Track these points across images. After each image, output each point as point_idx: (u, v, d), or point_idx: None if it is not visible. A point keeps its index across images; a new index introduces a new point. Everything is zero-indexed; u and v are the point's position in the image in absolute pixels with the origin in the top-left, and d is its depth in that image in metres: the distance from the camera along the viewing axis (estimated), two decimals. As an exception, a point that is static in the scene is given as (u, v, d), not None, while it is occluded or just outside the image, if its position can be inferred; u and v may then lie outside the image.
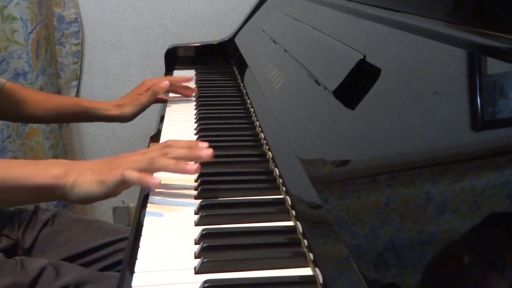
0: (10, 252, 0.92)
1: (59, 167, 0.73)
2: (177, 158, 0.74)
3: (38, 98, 1.20)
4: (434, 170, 0.47)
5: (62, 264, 0.87)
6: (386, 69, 0.63)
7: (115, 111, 1.22)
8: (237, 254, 0.60)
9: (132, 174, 0.71)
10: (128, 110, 1.23)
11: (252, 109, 1.11)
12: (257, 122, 1.02)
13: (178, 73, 1.55)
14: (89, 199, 0.73)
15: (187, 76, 1.35)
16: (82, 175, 0.72)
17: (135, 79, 1.91)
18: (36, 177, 0.73)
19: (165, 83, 1.23)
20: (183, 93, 1.29)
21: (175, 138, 1.00)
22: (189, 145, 0.77)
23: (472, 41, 0.52)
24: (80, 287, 0.82)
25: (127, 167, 0.72)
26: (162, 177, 0.73)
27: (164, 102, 1.26)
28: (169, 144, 0.77)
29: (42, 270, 0.83)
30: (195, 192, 0.75)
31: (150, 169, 0.73)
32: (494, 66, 0.47)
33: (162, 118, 1.15)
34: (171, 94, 1.31)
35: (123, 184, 0.72)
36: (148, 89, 1.24)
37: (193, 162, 0.75)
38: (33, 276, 0.82)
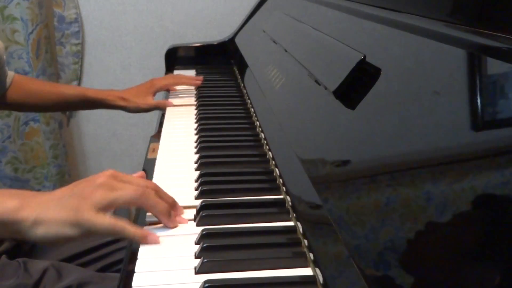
0: (12, 253, 0.92)
1: (13, 199, 0.61)
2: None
3: (46, 89, 1.25)
4: (434, 170, 0.47)
5: (64, 266, 0.87)
6: (386, 69, 0.63)
7: (120, 103, 1.27)
8: (237, 254, 0.60)
9: (109, 224, 0.60)
10: (131, 107, 1.27)
11: (252, 109, 1.11)
12: (257, 122, 1.02)
13: (178, 73, 1.55)
14: (61, 241, 0.61)
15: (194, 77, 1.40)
16: (47, 211, 0.60)
17: (135, 79, 1.91)
18: None
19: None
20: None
21: (176, 138, 1.01)
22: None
23: (472, 41, 0.52)
24: None
25: (99, 208, 0.60)
26: (160, 179, 0.73)
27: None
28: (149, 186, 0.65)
29: (45, 271, 0.83)
30: (195, 192, 0.75)
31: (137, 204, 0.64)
32: (494, 66, 0.47)
33: (162, 118, 1.15)
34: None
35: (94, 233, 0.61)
36: (155, 90, 1.29)
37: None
38: (36, 277, 0.82)
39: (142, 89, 1.29)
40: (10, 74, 1.19)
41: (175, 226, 0.65)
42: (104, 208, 0.61)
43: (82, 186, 0.63)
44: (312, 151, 0.71)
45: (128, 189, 0.62)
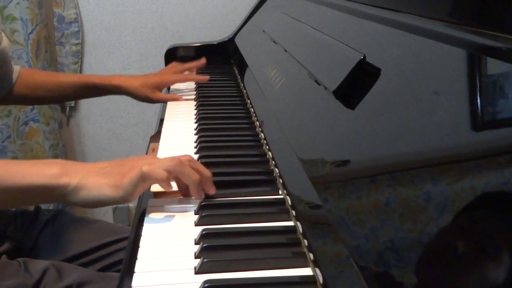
0: (13, 253, 0.92)
1: (55, 167, 0.68)
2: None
3: (52, 80, 1.25)
4: (434, 170, 0.47)
5: (64, 265, 0.87)
6: (386, 69, 0.63)
7: (127, 88, 1.27)
8: (237, 254, 0.60)
9: (156, 171, 0.67)
10: (140, 97, 1.28)
11: (252, 109, 1.11)
12: (257, 122, 1.02)
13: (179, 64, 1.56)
14: (99, 203, 0.67)
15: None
16: (88, 177, 0.67)
17: (135, 79, 1.91)
18: (32, 176, 0.67)
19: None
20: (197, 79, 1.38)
21: (175, 138, 1.01)
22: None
23: (472, 41, 0.52)
24: (82, 287, 0.83)
25: (145, 163, 0.67)
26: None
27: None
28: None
29: (45, 271, 0.83)
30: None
31: (175, 171, 0.69)
32: (494, 66, 0.47)
33: (162, 119, 1.15)
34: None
35: (142, 182, 0.67)
36: (164, 87, 1.31)
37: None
38: (36, 277, 0.82)
39: (152, 82, 1.28)
40: (16, 69, 1.19)
41: (201, 198, 0.71)
42: (147, 177, 0.67)
43: (125, 161, 0.70)
44: (312, 151, 0.71)
45: (165, 160, 0.70)
